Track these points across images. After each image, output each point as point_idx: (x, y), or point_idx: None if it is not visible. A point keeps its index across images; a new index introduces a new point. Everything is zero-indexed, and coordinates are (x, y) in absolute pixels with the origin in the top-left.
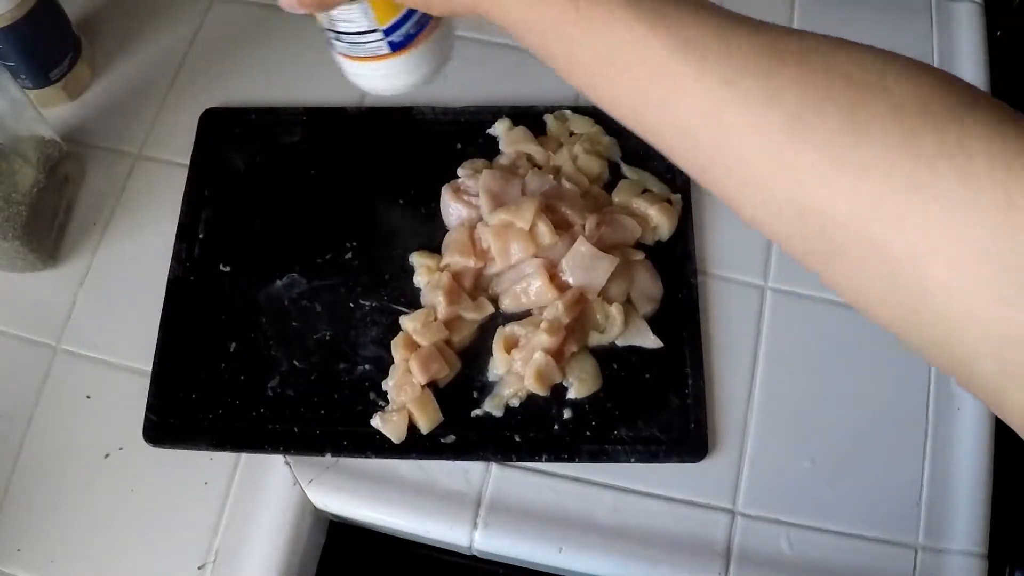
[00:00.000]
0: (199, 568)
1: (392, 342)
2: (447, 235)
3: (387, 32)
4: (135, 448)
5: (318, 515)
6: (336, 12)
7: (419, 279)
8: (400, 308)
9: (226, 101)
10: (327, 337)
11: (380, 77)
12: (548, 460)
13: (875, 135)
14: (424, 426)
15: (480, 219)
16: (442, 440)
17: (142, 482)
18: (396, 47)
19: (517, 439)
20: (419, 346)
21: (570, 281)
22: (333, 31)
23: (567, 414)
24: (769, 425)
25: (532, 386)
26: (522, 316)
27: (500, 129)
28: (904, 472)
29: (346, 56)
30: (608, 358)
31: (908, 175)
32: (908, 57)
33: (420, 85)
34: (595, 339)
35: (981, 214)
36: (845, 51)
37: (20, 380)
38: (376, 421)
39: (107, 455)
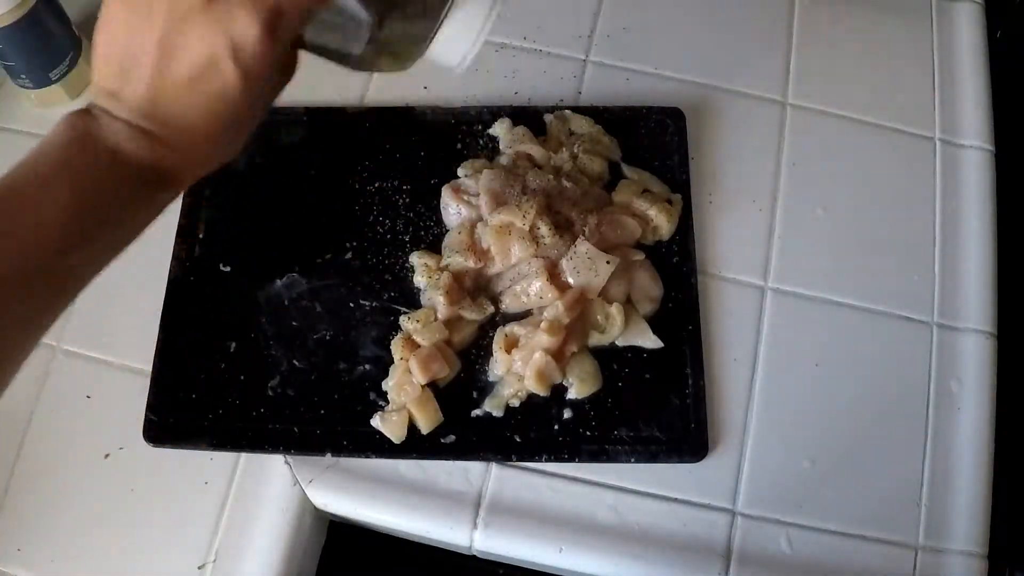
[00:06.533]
0: (199, 568)
1: (392, 342)
2: (447, 235)
3: None
4: (135, 448)
5: (318, 515)
6: None
7: (419, 279)
8: (400, 308)
9: None
10: (327, 337)
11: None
12: (548, 460)
13: None
14: (424, 426)
15: (480, 219)
16: (442, 440)
17: (142, 482)
18: None
19: (517, 439)
20: (419, 346)
21: (570, 281)
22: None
23: (567, 414)
24: (769, 425)
25: (532, 386)
26: (522, 316)
27: (500, 129)
28: (904, 472)
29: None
30: (608, 358)
31: None
32: None
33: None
34: (595, 339)
35: None
36: None
37: (20, 380)
38: (376, 421)
39: (107, 455)
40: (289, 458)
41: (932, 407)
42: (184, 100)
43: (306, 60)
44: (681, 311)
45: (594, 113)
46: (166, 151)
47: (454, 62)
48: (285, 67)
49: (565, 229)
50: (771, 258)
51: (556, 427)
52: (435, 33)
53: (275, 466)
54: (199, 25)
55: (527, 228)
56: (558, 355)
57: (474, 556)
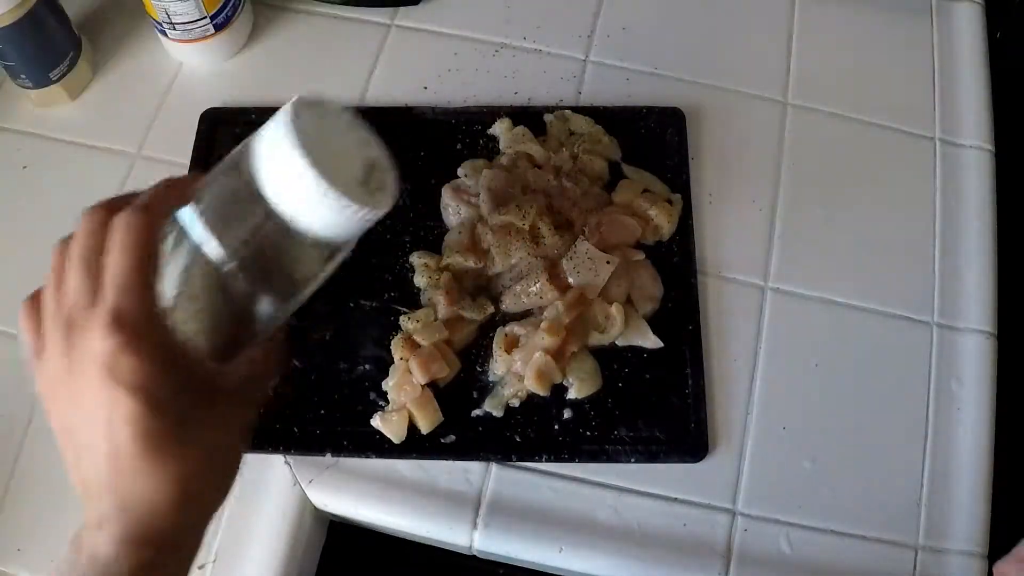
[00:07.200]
0: (199, 568)
1: (392, 342)
2: (447, 235)
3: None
4: None
5: (318, 515)
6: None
7: (419, 279)
8: (400, 308)
9: (226, 101)
10: (327, 337)
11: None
12: (548, 460)
13: None
14: (424, 426)
15: (480, 219)
16: (442, 440)
17: None
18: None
19: (517, 439)
20: (419, 346)
21: (570, 281)
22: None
23: (567, 414)
24: (769, 425)
25: (532, 386)
26: (522, 316)
27: (500, 129)
28: (904, 472)
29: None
30: (608, 358)
31: None
32: None
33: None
34: (595, 339)
35: None
36: None
37: (20, 380)
38: (376, 421)
39: None
40: (289, 458)
41: (932, 407)
42: (119, 459)
43: (304, 60)
44: (681, 311)
45: (594, 113)
46: (141, 532)
47: (356, 216)
48: (204, 395)
49: (565, 229)
50: (771, 258)
51: (556, 427)
52: (306, 228)
53: (275, 466)
54: (79, 368)
55: (527, 228)
56: (558, 355)
57: (474, 556)
